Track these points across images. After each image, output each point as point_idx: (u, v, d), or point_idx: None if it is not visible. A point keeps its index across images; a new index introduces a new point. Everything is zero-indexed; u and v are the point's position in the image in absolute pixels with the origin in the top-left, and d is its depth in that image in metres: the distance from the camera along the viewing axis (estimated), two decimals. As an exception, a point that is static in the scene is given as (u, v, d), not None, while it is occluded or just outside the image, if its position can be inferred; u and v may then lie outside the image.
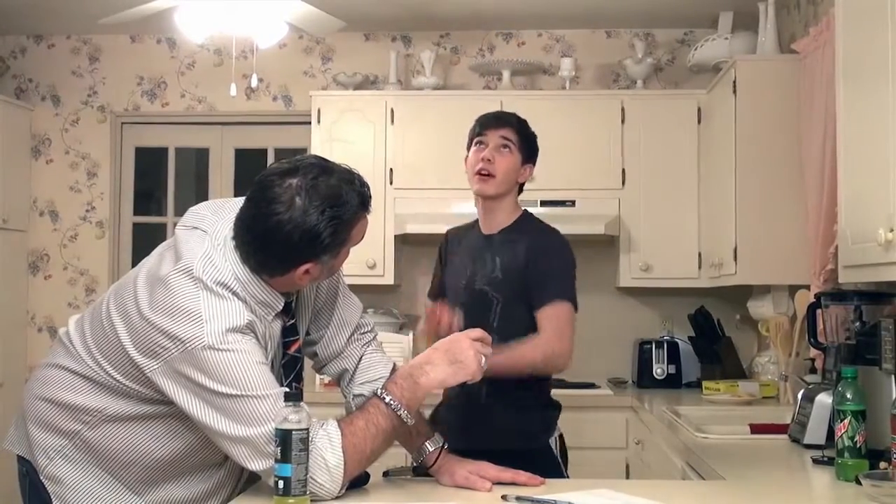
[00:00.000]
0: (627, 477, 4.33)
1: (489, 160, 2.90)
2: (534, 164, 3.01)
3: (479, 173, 2.91)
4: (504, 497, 2.02)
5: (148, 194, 5.75)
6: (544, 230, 2.99)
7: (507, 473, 2.17)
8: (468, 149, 2.99)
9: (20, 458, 2.18)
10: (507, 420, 2.83)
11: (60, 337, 2.18)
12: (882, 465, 2.23)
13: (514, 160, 2.93)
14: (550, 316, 2.81)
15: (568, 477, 2.84)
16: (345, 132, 4.98)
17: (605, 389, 4.78)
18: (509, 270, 2.88)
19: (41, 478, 2.11)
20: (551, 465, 2.82)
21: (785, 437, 2.94)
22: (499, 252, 2.92)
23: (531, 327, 2.83)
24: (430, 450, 2.20)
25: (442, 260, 3.15)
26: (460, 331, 2.26)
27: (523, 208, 3.04)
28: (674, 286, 4.95)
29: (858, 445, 2.27)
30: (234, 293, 1.97)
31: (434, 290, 3.16)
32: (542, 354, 2.79)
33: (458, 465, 2.20)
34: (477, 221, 3.06)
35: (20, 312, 5.42)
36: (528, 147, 2.97)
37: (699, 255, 4.82)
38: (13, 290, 5.35)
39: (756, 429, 3.14)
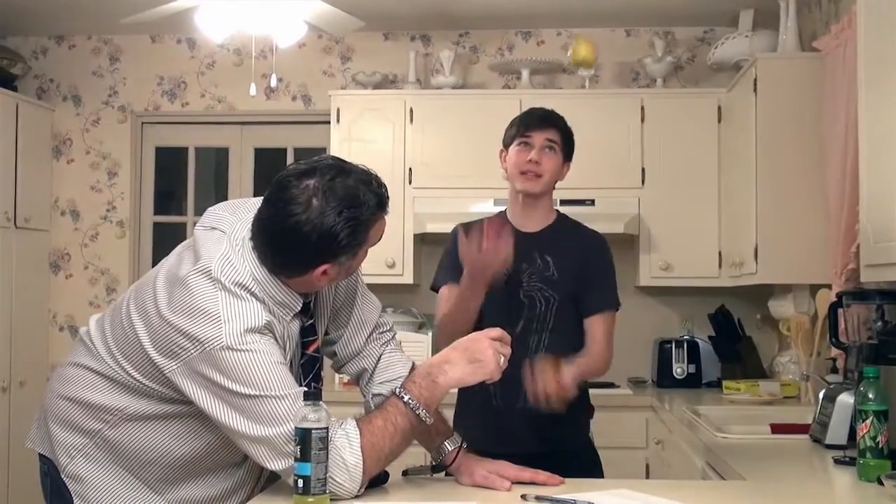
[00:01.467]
0: (647, 477, 4.32)
1: (537, 162, 2.89)
2: (571, 161, 3.00)
3: (525, 173, 2.90)
4: (524, 496, 2.01)
5: (168, 194, 5.78)
6: (589, 231, 3.03)
7: (527, 473, 2.17)
8: (505, 144, 2.97)
9: (42, 457, 2.19)
10: (553, 422, 2.84)
11: (81, 336, 2.19)
12: (904, 465, 2.22)
13: (558, 160, 2.93)
14: (604, 326, 2.91)
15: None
16: (364, 132, 4.98)
17: (625, 389, 4.78)
18: (563, 270, 2.90)
19: (63, 476, 2.12)
20: (593, 459, 2.94)
21: (806, 437, 2.92)
22: (548, 251, 2.91)
23: (580, 327, 2.91)
24: (450, 449, 2.20)
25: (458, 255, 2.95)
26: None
27: (555, 208, 3.05)
28: (694, 285, 4.93)
29: (881, 446, 2.25)
30: (253, 294, 1.97)
31: (448, 279, 2.94)
32: (606, 364, 2.91)
33: (478, 464, 2.19)
34: (490, 220, 3.00)
35: (41, 311, 5.46)
36: (569, 146, 2.97)
37: (719, 254, 4.80)
38: (35, 289, 5.39)
39: (777, 429, 3.12)
